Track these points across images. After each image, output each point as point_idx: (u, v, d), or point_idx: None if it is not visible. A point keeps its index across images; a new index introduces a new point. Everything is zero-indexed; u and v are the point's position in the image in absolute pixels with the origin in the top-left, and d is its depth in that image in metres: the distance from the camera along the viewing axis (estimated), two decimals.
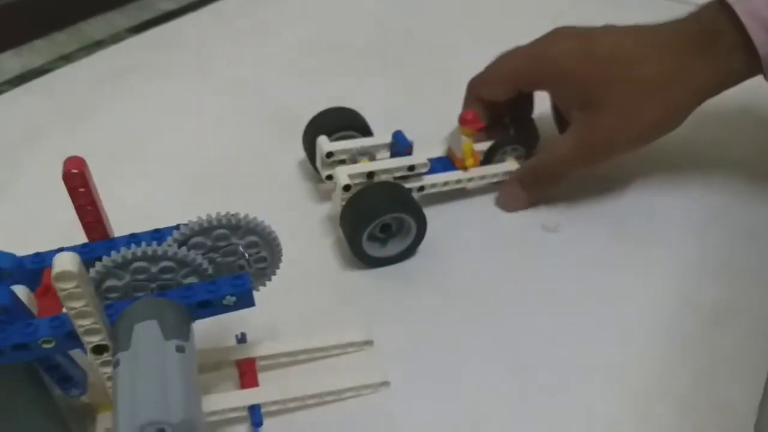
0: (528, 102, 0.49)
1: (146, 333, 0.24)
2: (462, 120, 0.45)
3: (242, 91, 0.60)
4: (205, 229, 0.27)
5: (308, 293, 0.41)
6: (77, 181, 0.27)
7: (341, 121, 0.48)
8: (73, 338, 0.25)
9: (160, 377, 0.22)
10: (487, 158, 0.48)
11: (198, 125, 0.56)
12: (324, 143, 0.45)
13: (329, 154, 0.45)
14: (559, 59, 0.42)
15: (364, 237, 0.41)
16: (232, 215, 0.27)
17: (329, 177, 0.46)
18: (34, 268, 0.28)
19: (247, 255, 0.28)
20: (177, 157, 0.52)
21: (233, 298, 0.27)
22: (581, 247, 0.44)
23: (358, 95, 0.52)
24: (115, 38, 0.70)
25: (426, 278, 0.42)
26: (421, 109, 0.55)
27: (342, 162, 0.46)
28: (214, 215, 0.27)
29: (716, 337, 0.38)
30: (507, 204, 0.47)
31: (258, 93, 0.60)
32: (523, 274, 0.42)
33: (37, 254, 0.28)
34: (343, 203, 0.43)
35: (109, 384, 0.26)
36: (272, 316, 0.37)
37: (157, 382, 0.22)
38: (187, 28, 0.71)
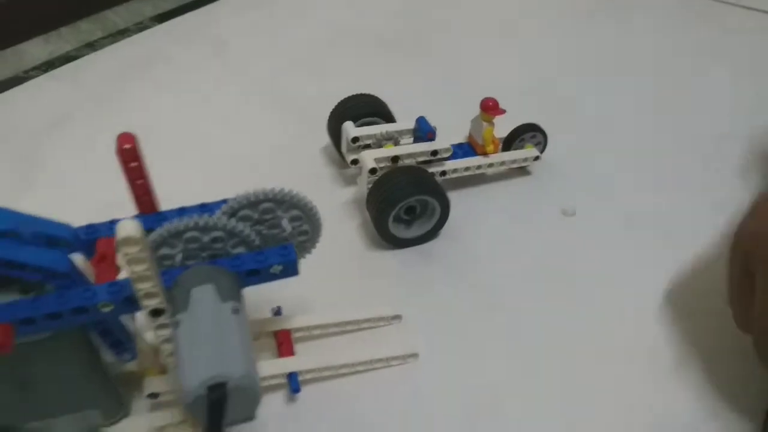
0: None
1: (203, 296, 0.25)
2: (484, 106, 0.47)
3: (263, 79, 0.62)
4: (252, 202, 0.29)
5: (337, 272, 0.42)
6: (130, 155, 0.28)
7: (365, 108, 0.50)
8: (130, 303, 0.27)
9: (219, 336, 0.24)
10: (507, 145, 0.50)
11: (221, 112, 0.57)
12: (350, 128, 0.47)
13: (355, 139, 0.47)
14: None
15: (390, 218, 0.43)
16: (278, 190, 0.29)
17: (354, 162, 0.47)
18: (88, 239, 0.29)
19: (290, 228, 0.29)
20: (201, 143, 0.54)
21: (280, 267, 0.29)
22: (598, 230, 0.45)
23: (378, 84, 0.53)
24: (140, 27, 0.72)
25: (449, 259, 0.44)
26: (440, 98, 0.57)
27: (367, 147, 0.47)
28: (260, 189, 0.29)
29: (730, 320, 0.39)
30: None
31: (279, 81, 0.62)
32: (541, 256, 0.44)
33: (90, 225, 0.30)
34: (369, 186, 0.44)
35: (163, 347, 0.28)
36: (304, 293, 0.39)
37: (217, 340, 0.24)
38: (209, 18, 0.72)
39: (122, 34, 0.71)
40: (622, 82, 0.61)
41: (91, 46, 0.68)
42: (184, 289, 0.25)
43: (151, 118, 0.57)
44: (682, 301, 0.41)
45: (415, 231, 0.45)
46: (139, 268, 0.24)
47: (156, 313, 0.26)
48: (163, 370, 0.34)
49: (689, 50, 0.66)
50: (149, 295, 0.26)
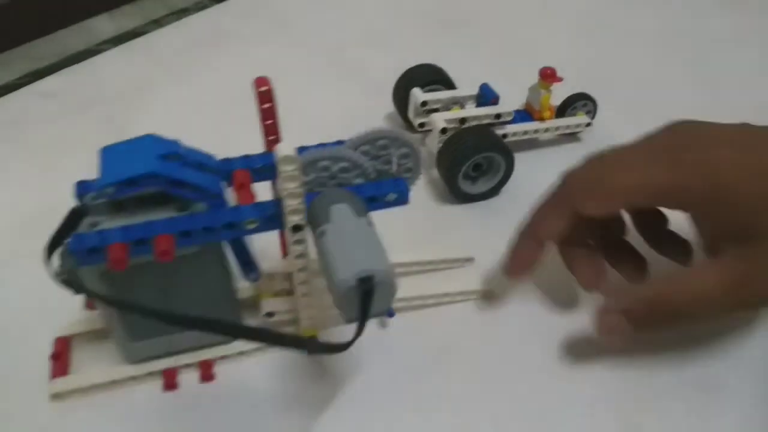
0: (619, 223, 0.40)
1: (341, 212, 0.30)
2: (542, 74, 0.51)
3: (324, 53, 0.66)
4: (372, 138, 0.33)
5: (411, 223, 0.46)
6: (265, 97, 0.33)
7: (429, 76, 0.54)
8: (271, 220, 0.31)
9: (363, 239, 0.29)
10: (560, 112, 0.54)
11: (286, 85, 0.61)
12: (418, 94, 0.51)
13: (424, 103, 0.51)
14: (721, 172, 0.32)
15: (461, 174, 0.47)
16: (393, 129, 0.33)
17: (421, 125, 0.51)
18: (226, 170, 0.34)
19: (397, 166, 0.34)
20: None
21: (394, 196, 0.33)
22: None
23: (435, 58, 0.57)
24: (199, 6, 0.76)
25: (510, 213, 0.48)
26: (493, 71, 0.61)
27: (433, 111, 0.52)
28: (378, 128, 0.33)
29: None
30: (602, 329, 0.35)
31: (340, 54, 0.66)
32: None
33: (225, 158, 0.34)
34: (440, 145, 0.49)
35: (296, 262, 0.33)
36: (384, 239, 0.43)
37: (361, 243, 0.28)
38: None
39: (184, 12, 0.75)
40: (666, 54, 0.65)
41: (157, 23, 0.73)
42: (324, 205, 0.30)
43: (222, 89, 0.61)
44: None
45: (480, 187, 0.49)
46: (292, 185, 0.29)
47: (297, 228, 0.31)
48: (277, 294, 0.38)
49: (727, 30, 0.70)
50: (294, 212, 0.30)
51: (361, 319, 0.27)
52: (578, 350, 0.38)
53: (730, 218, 0.32)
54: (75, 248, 0.29)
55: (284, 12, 0.74)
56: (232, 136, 0.51)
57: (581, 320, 0.40)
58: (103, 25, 0.74)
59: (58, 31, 0.72)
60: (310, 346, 0.29)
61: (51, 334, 0.39)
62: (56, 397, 0.36)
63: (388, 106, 0.57)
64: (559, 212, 0.36)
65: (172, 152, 0.30)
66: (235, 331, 0.31)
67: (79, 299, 0.39)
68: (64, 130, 0.56)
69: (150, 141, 0.30)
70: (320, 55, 0.66)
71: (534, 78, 0.52)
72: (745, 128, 0.34)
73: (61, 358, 0.38)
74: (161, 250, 0.29)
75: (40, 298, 0.41)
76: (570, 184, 0.36)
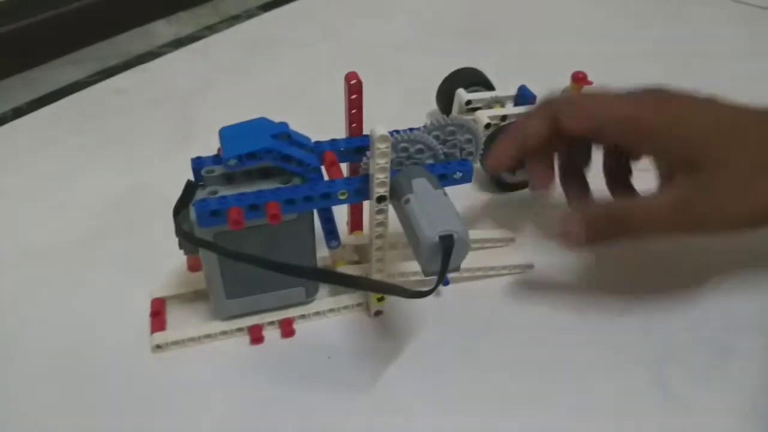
0: (586, 154, 0.45)
1: (422, 184, 0.35)
2: (575, 78, 0.57)
3: (368, 59, 0.72)
4: (443, 125, 0.39)
5: (458, 208, 0.52)
6: (355, 88, 0.39)
7: (471, 78, 0.60)
8: (359, 193, 0.37)
9: (442, 206, 0.34)
10: None
11: (335, 86, 0.67)
12: (463, 94, 0.57)
13: (468, 102, 0.57)
14: (674, 107, 0.38)
15: None
16: (460, 117, 0.39)
17: None
18: (318, 151, 0.40)
19: (463, 149, 0.40)
20: (323, 110, 0.63)
21: (460, 174, 0.39)
22: None
23: (467, 62, 0.63)
24: (248, 14, 0.83)
25: (544, 200, 0.54)
26: (522, 75, 0.66)
27: (476, 109, 0.57)
28: (449, 116, 0.39)
29: None
30: (562, 234, 0.39)
31: (380, 59, 0.72)
32: None
33: (317, 142, 0.40)
34: (483, 139, 0.55)
35: (376, 230, 0.38)
36: None
37: (441, 209, 0.34)
38: (310, 8, 0.83)
39: (235, 19, 0.81)
40: (683, 64, 0.72)
41: (211, 29, 0.79)
42: (407, 179, 0.35)
43: (276, 86, 0.67)
44: None
45: (519, 176, 0.55)
46: (383, 161, 0.35)
47: (381, 199, 0.37)
48: (350, 262, 0.44)
49: (739, 48, 0.76)
50: (381, 184, 0.36)
51: (442, 270, 0.33)
52: (607, 315, 0.44)
53: (681, 150, 0.37)
54: (200, 211, 0.35)
55: (328, 21, 0.80)
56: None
57: (611, 287, 0.46)
58: (163, 29, 0.80)
59: (121, 34, 0.78)
60: (400, 291, 0.34)
61: (147, 296, 0.44)
62: (157, 348, 0.41)
63: (429, 105, 0.63)
64: (542, 116, 0.41)
65: (282, 132, 0.36)
66: (336, 278, 0.36)
67: (171, 267, 0.45)
68: (138, 123, 0.62)
69: (263, 122, 0.36)
70: (364, 60, 0.71)
71: (555, 81, 0.57)
72: (710, 96, 0.39)
73: (159, 315, 0.43)
74: (272, 213, 0.35)
75: (134, 266, 0.47)
76: (555, 99, 0.42)
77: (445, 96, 0.60)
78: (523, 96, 0.57)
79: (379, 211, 0.37)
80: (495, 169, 0.45)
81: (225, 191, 0.36)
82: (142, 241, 0.48)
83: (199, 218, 0.35)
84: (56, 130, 0.61)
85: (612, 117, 0.38)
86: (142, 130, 0.61)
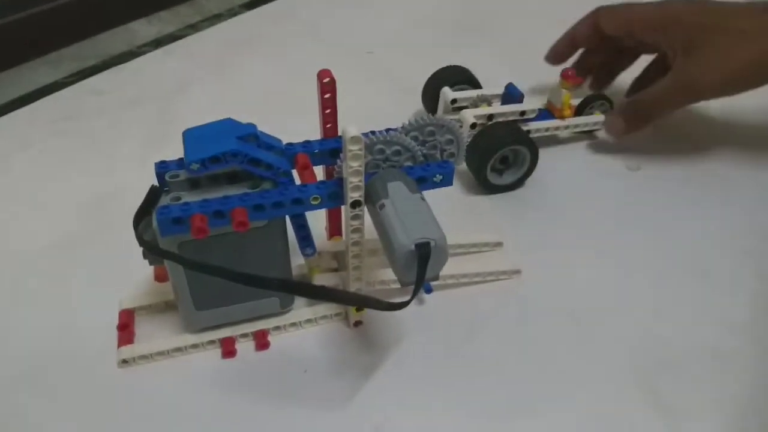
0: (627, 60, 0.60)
1: (397, 189, 0.33)
2: (564, 75, 0.55)
3: (352, 56, 0.70)
4: (421, 125, 0.37)
5: (443, 211, 0.50)
6: (328, 87, 0.36)
7: (457, 77, 0.58)
8: (333, 198, 0.35)
9: (418, 211, 0.32)
10: (578, 111, 0.58)
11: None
12: (448, 92, 0.55)
13: (453, 101, 0.55)
14: (672, 8, 0.52)
15: (489, 166, 0.51)
16: (440, 117, 0.37)
17: None
18: (289, 153, 0.38)
19: (444, 150, 0.38)
20: (304, 112, 0.61)
21: (440, 177, 0.37)
22: (660, 183, 0.53)
23: (456, 59, 0.61)
24: (231, 12, 0.80)
25: (533, 202, 0.52)
26: (510, 73, 0.64)
27: (461, 108, 0.55)
28: (427, 116, 0.37)
29: None
30: (608, 129, 0.55)
31: (366, 57, 0.70)
32: (610, 200, 0.52)
33: (289, 143, 0.38)
34: (469, 140, 0.52)
35: (352, 236, 0.36)
36: None
37: (418, 214, 0.32)
38: (295, 5, 0.81)
39: (217, 18, 0.79)
40: None
41: (193, 27, 0.77)
42: (382, 183, 0.33)
43: (259, 85, 0.65)
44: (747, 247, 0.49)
45: (507, 178, 0.53)
46: (356, 164, 0.33)
47: (356, 204, 0.34)
48: (327, 269, 0.42)
49: None
50: (355, 188, 0.34)
51: (418, 280, 0.31)
52: (601, 322, 0.42)
53: (678, 38, 0.51)
54: (161, 218, 0.32)
55: (312, 18, 0.78)
56: (269, 131, 0.55)
57: (602, 295, 0.43)
58: (143, 28, 0.78)
59: (100, 33, 0.76)
60: (374, 303, 0.32)
61: (115, 307, 0.42)
62: (123, 363, 0.39)
63: (416, 104, 0.60)
64: (587, 20, 0.57)
65: (248, 134, 0.34)
66: (308, 290, 0.34)
67: (142, 276, 0.43)
68: (116, 125, 0.60)
69: (229, 124, 0.34)
70: (348, 58, 0.70)
71: (543, 79, 0.56)
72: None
73: (126, 328, 0.41)
74: (239, 221, 0.33)
75: (104, 274, 0.45)
76: (599, 9, 0.56)
77: (430, 95, 0.58)
78: (510, 94, 0.55)
79: (355, 217, 0.35)
80: (552, 61, 0.60)
81: (189, 197, 0.34)
82: (113, 248, 0.46)
83: (160, 226, 0.33)
84: (31, 132, 0.59)
85: (638, 19, 0.54)
86: (119, 132, 0.59)
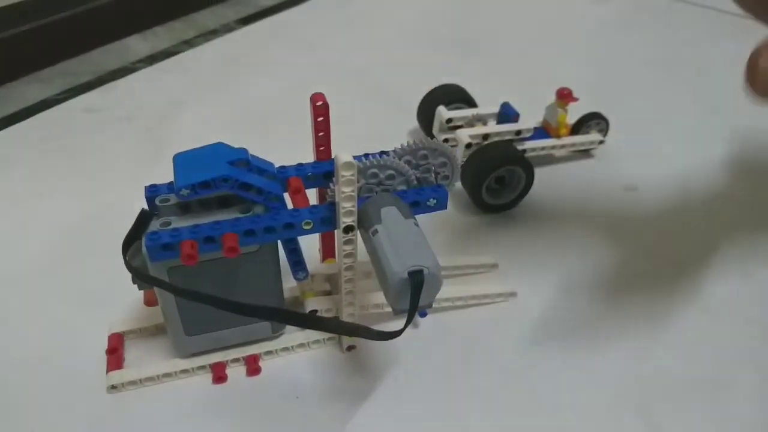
0: None
1: (391, 214, 0.33)
2: (560, 94, 0.55)
3: (348, 74, 0.70)
4: (414, 150, 0.36)
5: (438, 232, 0.50)
6: (321, 110, 0.36)
7: (453, 95, 0.58)
8: (325, 222, 0.35)
9: (412, 238, 0.32)
10: (574, 130, 0.58)
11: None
12: (443, 111, 0.55)
13: (449, 120, 0.54)
14: None
15: (484, 186, 0.50)
16: (432, 141, 0.37)
17: (446, 141, 0.55)
18: (281, 177, 0.37)
19: (438, 173, 0.37)
20: (302, 129, 0.60)
21: (434, 201, 0.36)
22: (657, 204, 0.53)
23: (452, 77, 0.60)
24: (226, 28, 0.80)
25: (529, 222, 0.51)
26: (507, 92, 0.64)
27: (457, 127, 0.55)
28: (420, 140, 0.37)
29: None
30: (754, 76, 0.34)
31: (362, 75, 0.70)
32: (606, 221, 0.51)
33: (282, 167, 0.37)
34: (464, 159, 0.52)
35: (345, 261, 0.36)
36: None
37: (411, 241, 0.31)
38: (290, 21, 0.81)
39: (213, 33, 0.79)
40: (670, 78, 0.69)
41: (188, 44, 0.77)
42: (375, 208, 0.33)
43: (256, 103, 0.64)
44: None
45: (502, 198, 0.52)
46: (348, 189, 0.32)
47: (349, 229, 0.34)
48: (317, 294, 0.41)
49: (726, 57, 0.74)
50: (348, 213, 0.33)
51: (411, 309, 0.30)
52: (598, 348, 0.41)
53: None
54: (150, 244, 0.32)
55: (309, 35, 0.78)
56: (263, 150, 0.55)
57: (601, 319, 0.43)
58: (137, 45, 0.77)
59: (93, 50, 0.75)
60: (365, 332, 0.32)
61: (105, 330, 0.41)
62: (112, 389, 0.38)
63: (411, 122, 0.60)
64: None
65: (239, 158, 0.33)
66: (299, 319, 0.33)
67: (132, 299, 0.42)
68: (107, 143, 0.60)
69: (220, 148, 0.33)
70: (344, 75, 0.69)
71: (541, 97, 0.55)
72: None
73: (115, 352, 0.40)
74: (229, 246, 0.32)
75: (93, 297, 0.44)
76: None
77: (426, 114, 0.58)
78: (505, 113, 0.55)
79: (347, 242, 0.34)
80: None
81: (179, 222, 0.33)
82: (102, 270, 0.45)
83: (149, 252, 0.32)
84: (20, 151, 0.59)
85: None
86: (110, 151, 0.58)
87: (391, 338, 0.31)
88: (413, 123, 0.60)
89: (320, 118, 0.36)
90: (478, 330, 0.42)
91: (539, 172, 0.55)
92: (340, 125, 0.60)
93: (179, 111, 0.63)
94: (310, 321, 0.32)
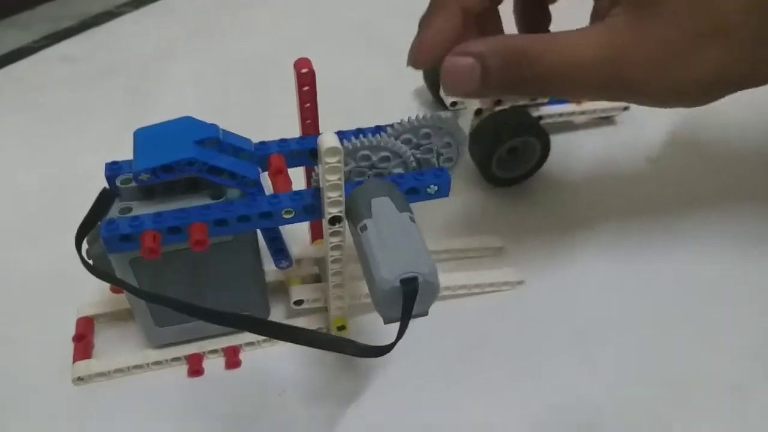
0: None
1: (383, 206, 0.28)
2: None
3: (352, 26, 0.64)
4: (415, 127, 0.32)
5: (441, 208, 0.45)
6: (306, 79, 0.31)
7: None
8: (308, 211, 0.30)
9: (405, 238, 0.27)
10: None
11: (314, 51, 0.60)
12: None
13: None
14: None
15: (495, 158, 0.46)
16: (437, 117, 0.32)
17: (454, 104, 0.49)
18: (261, 155, 0.32)
19: (441, 153, 0.32)
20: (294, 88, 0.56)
21: (435, 188, 0.32)
22: (678, 177, 0.48)
23: None
24: None
25: (542, 198, 0.47)
26: None
27: None
28: (422, 115, 0.32)
29: None
30: (451, 80, 0.29)
31: (369, 27, 0.64)
32: (626, 198, 0.46)
33: (261, 142, 0.33)
34: (473, 127, 0.47)
35: (331, 253, 0.31)
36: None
37: (404, 242, 0.27)
38: None
39: None
40: None
41: None
42: (365, 198, 0.28)
43: (250, 53, 0.59)
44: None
45: (514, 171, 0.47)
46: (333, 177, 0.27)
47: (334, 220, 0.29)
48: (305, 280, 0.37)
49: None
50: (334, 203, 0.29)
51: (403, 321, 0.26)
52: (604, 338, 0.38)
53: None
54: (107, 235, 0.28)
55: None
56: (259, 109, 0.50)
57: (610, 307, 0.39)
58: None
59: None
60: (350, 348, 0.28)
61: (74, 312, 0.38)
62: (79, 380, 0.35)
63: (417, 81, 0.55)
64: None
65: (209, 137, 0.29)
66: (271, 329, 0.29)
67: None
68: (86, 98, 0.55)
69: (187, 124, 0.29)
70: (347, 27, 0.64)
71: None
72: None
73: (83, 339, 0.37)
74: (196, 239, 0.28)
75: (63, 274, 0.40)
76: None
77: (434, 74, 0.52)
78: None
79: (334, 233, 0.30)
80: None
81: (141, 208, 0.29)
82: (71, 247, 0.41)
83: (106, 244, 0.28)
84: None
85: None
86: (89, 108, 0.54)
87: (381, 354, 0.27)
88: (419, 82, 0.55)
89: (305, 87, 0.31)
90: (481, 322, 0.39)
91: (555, 141, 0.50)
92: (339, 82, 0.55)
93: (165, 62, 0.58)
94: (289, 334, 0.28)
